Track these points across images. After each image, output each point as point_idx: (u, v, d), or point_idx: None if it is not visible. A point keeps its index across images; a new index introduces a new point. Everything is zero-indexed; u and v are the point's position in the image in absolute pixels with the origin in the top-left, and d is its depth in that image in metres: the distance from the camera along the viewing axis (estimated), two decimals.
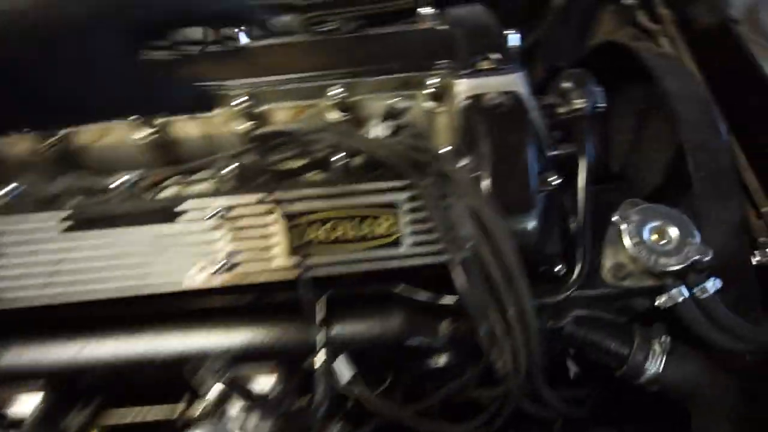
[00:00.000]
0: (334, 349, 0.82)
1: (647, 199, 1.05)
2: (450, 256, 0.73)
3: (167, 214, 0.80)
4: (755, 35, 2.94)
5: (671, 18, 1.06)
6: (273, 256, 0.79)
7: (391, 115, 0.81)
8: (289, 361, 0.85)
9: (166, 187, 0.97)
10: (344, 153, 0.82)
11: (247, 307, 0.86)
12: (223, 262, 0.79)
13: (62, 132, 0.97)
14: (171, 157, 1.01)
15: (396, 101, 0.78)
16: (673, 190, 0.96)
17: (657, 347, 0.82)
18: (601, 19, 1.29)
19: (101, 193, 0.94)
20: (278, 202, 0.78)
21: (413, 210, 0.78)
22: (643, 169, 1.09)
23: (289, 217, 0.78)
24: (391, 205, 0.79)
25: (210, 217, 0.78)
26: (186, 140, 0.98)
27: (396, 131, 0.82)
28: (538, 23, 1.53)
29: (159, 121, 0.96)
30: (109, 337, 0.84)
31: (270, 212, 0.78)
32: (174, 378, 0.85)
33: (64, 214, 0.80)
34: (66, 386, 0.84)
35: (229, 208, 0.79)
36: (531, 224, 0.78)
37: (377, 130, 0.83)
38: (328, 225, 0.78)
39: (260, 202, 0.78)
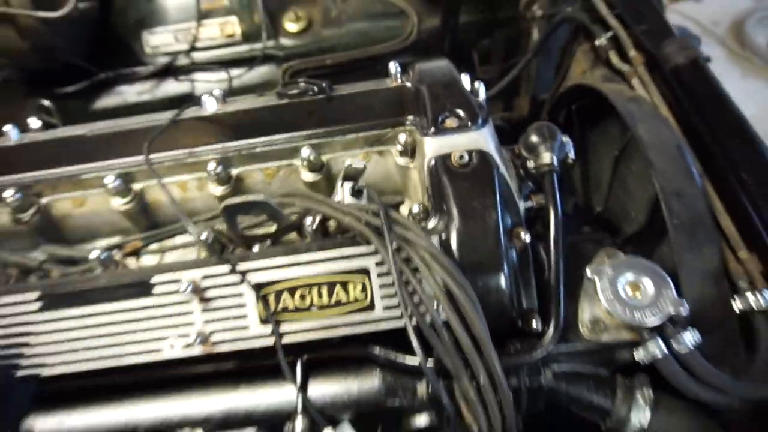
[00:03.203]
0: (314, 412, 0.81)
1: (629, 242, 1.05)
2: (412, 322, 0.72)
3: (142, 288, 0.80)
4: (742, 50, 2.95)
5: (642, 60, 1.06)
6: (246, 326, 0.79)
7: (349, 176, 0.81)
8: (270, 426, 0.85)
9: (147, 252, 0.98)
10: (315, 218, 0.82)
11: (225, 374, 0.85)
12: (198, 333, 0.79)
13: (43, 201, 0.98)
14: (149, 221, 1.02)
15: (352, 163, 0.78)
16: (653, 234, 0.95)
17: (640, 399, 0.81)
18: (576, 57, 1.30)
19: (82, 262, 0.96)
20: (246, 272, 0.78)
21: (385, 274, 0.78)
22: (628, 206, 1.09)
23: (260, 287, 0.78)
24: (362, 270, 0.78)
25: (183, 291, 0.78)
26: (163, 205, 0.99)
27: (358, 192, 0.82)
28: (519, 59, 1.54)
29: (136, 187, 0.97)
30: (90, 409, 0.84)
31: (240, 283, 0.78)
32: None
33: (42, 290, 0.81)
34: None
35: (202, 279, 0.80)
36: (503, 283, 0.77)
37: (344, 191, 0.83)
38: (299, 292, 0.78)
39: (230, 272, 0.79)
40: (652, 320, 0.76)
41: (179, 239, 1.00)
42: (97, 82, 1.60)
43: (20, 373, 0.80)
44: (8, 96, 1.52)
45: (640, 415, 0.81)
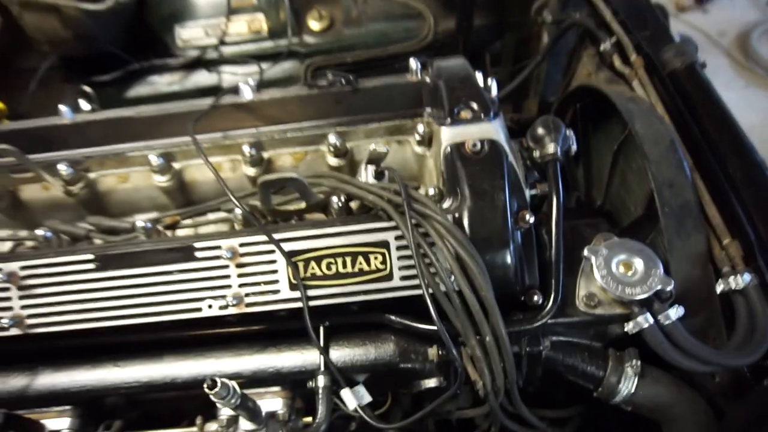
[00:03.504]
0: (335, 371, 0.90)
1: (626, 231, 1.14)
2: (430, 290, 0.81)
3: (186, 252, 0.89)
4: (746, 61, 3.03)
5: (641, 63, 1.15)
6: (277, 289, 0.88)
7: (372, 159, 0.90)
8: (294, 383, 0.94)
9: (182, 227, 1.08)
10: (340, 197, 0.91)
11: (255, 335, 0.95)
12: (233, 295, 0.88)
13: (91, 175, 1.08)
14: (186, 199, 1.11)
15: (376, 147, 0.87)
16: (648, 224, 1.04)
17: (629, 370, 0.90)
18: (582, 60, 1.39)
19: (123, 233, 1.05)
20: (280, 242, 0.87)
21: (403, 247, 0.87)
22: (627, 199, 1.18)
23: (291, 255, 0.87)
24: (383, 243, 0.88)
25: (224, 257, 0.87)
26: (199, 183, 1.09)
27: (380, 174, 0.91)
28: (529, 62, 1.63)
29: (176, 166, 1.07)
30: (132, 363, 0.94)
31: (273, 251, 0.88)
32: (190, 400, 0.94)
33: (96, 252, 0.90)
34: (91, 410, 0.93)
35: (240, 246, 0.89)
36: (508, 259, 0.86)
37: (367, 173, 0.92)
38: (325, 261, 0.87)
39: (265, 242, 0.88)
40: (641, 295, 0.85)
41: (211, 216, 1.09)
42: (131, 71, 1.70)
43: (73, 327, 0.90)
44: (49, 81, 1.62)
45: (629, 383, 0.90)
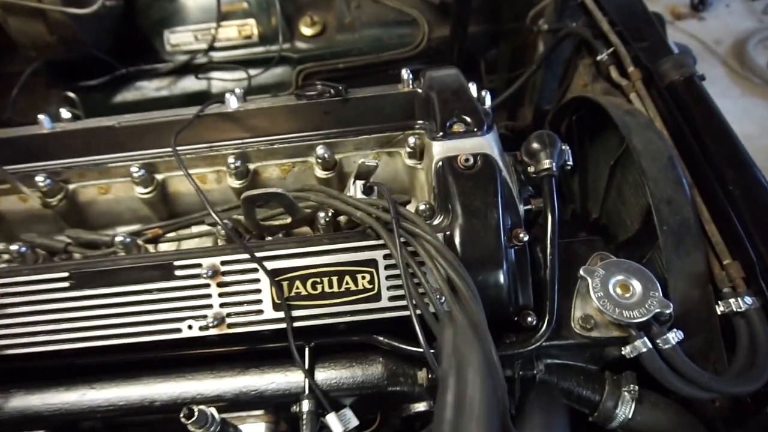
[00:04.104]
0: (320, 394, 0.86)
1: (623, 246, 1.11)
2: (418, 311, 0.78)
3: (165, 270, 0.86)
4: (742, 70, 3.01)
5: (639, 75, 1.12)
6: (260, 310, 0.85)
7: (362, 174, 0.86)
8: (277, 407, 0.90)
9: (164, 241, 1.04)
10: (327, 213, 0.88)
11: (237, 356, 0.91)
12: (215, 315, 0.85)
13: (70, 187, 1.04)
14: (169, 211, 1.08)
15: (365, 161, 0.84)
16: (645, 240, 1.01)
17: (626, 395, 0.87)
18: (578, 70, 1.36)
19: (103, 246, 1.01)
20: (263, 260, 0.83)
21: (392, 266, 0.84)
22: (623, 213, 1.15)
23: (275, 274, 0.84)
24: (371, 262, 0.84)
25: (204, 275, 0.84)
26: (183, 195, 1.05)
27: (369, 189, 0.88)
28: (524, 70, 1.61)
29: (159, 177, 1.03)
30: (108, 385, 0.90)
31: (256, 269, 0.84)
32: (170, 423, 0.90)
33: (70, 270, 0.86)
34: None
35: (222, 264, 0.85)
36: (501, 279, 0.83)
37: (356, 188, 0.89)
38: (311, 280, 0.84)
39: (248, 259, 0.84)
40: (639, 318, 0.82)
41: (195, 229, 1.06)
42: (118, 76, 1.66)
43: (47, 348, 0.86)
44: (33, 86, 1.58)
45: (626, 408, 0.86)
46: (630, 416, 0.86)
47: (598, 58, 1.24)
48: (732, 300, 0.86)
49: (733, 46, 3.06)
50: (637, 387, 0.87)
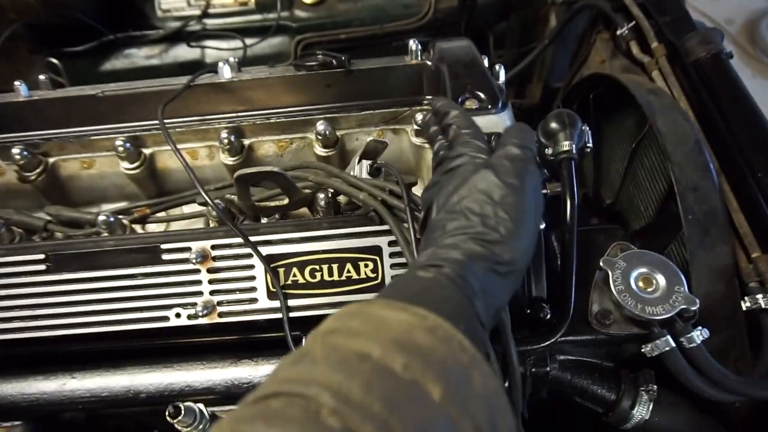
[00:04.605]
0: None
1: (638, 235, 1.05)
2: None
3: (150, 254, 0.79)
4: (753, 50, 2.92)
5: (663, 51, 1.05)
6: (254, 298, 0.79)
7: (369, 152, 0.79)
8: None
9: (152, 221, 0.97)
10: (328, 194, 0.81)
11: (229, 346, 0.85)
12: (205, 303, 0.79)
13: (50, 160, 0.97)
14: (158, 188, 1.00)
15: (374, 138, 0.77)
16: (665, 228, 0.95)
17: (644, 394, 0.81)
18: (595, 45, 1.28)
19: (87, 225, 0.94)
20: (258, 244, 0.77)
21: (397, 254, 0.77)
22: (637, 199, 1.08)
23: (270, 260, 0.77)
24: (375, 249, 0.78)
25: (192, 260, 0.77)
26: (172, 171, 0.98)
27: (376, 170, 0.81)
28: (535, 46, 1.52)
29: (146, 152, 0.96)
30: (90, 374, 0.84)
31: (250, 255, 0.78)
32: (155, 415, 0.85)
33: (48, 251, 0.80)
34: (45, 426, 0.84)
35: (212, 248, 0.79)
36: None
37: (361, 168, 0.82)
38: (309, 268, 0.78)
39: (241, 244, 0.78)
40: (662, 315, 0.76)
41: (186, 209, 0.99)
42: (105, 42, 1.57)
43: (23, 335, 0.80)
44: (14, 52, 1.49)
45: (644, 409, 0.81)
46: (647, 417, 0.81)
47: (618, 32, 1.16)
48: (759, 296, 0.80)
49: (744, 25, 2.97)
50: (655, 386, 0.81)
